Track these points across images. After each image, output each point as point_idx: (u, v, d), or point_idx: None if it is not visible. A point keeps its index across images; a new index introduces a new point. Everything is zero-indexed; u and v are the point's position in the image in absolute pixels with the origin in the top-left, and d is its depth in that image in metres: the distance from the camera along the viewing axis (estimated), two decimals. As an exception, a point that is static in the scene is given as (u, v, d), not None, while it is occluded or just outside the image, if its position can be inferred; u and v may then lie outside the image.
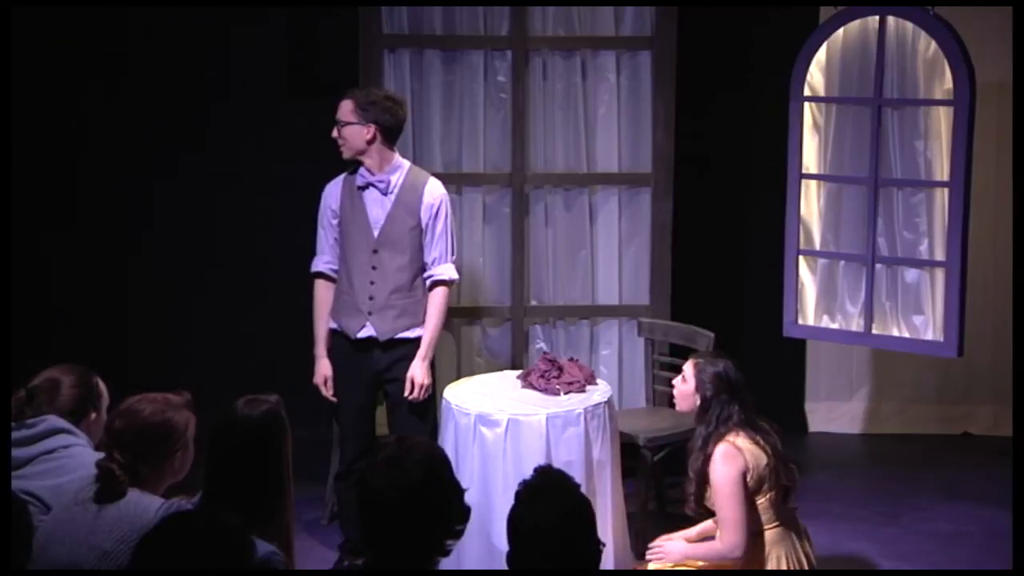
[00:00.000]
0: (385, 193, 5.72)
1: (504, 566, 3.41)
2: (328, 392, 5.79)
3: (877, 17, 6.12)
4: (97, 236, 7.34)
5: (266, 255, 7.37)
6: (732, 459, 4.71)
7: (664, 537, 5.06)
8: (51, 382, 4.27)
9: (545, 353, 6.26)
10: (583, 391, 5.70)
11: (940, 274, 6.14)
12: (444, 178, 6.83)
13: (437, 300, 5.77)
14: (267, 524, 3.58)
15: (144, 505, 3.72)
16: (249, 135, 7.33)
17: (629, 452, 6.07)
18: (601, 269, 7.00)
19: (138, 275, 7.41)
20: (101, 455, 3.87)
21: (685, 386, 4.96)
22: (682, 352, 6.50)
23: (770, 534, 4.76)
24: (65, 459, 4.10)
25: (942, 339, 6.16)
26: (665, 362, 6.60)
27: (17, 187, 6.74)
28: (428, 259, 5.77)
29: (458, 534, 3.38)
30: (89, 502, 3.75)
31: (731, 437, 4.76)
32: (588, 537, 3.42)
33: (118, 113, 7.26)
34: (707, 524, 5.00)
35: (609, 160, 6.92)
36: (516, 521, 3.41)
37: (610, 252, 6.98)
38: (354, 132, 5.66)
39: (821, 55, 6.28)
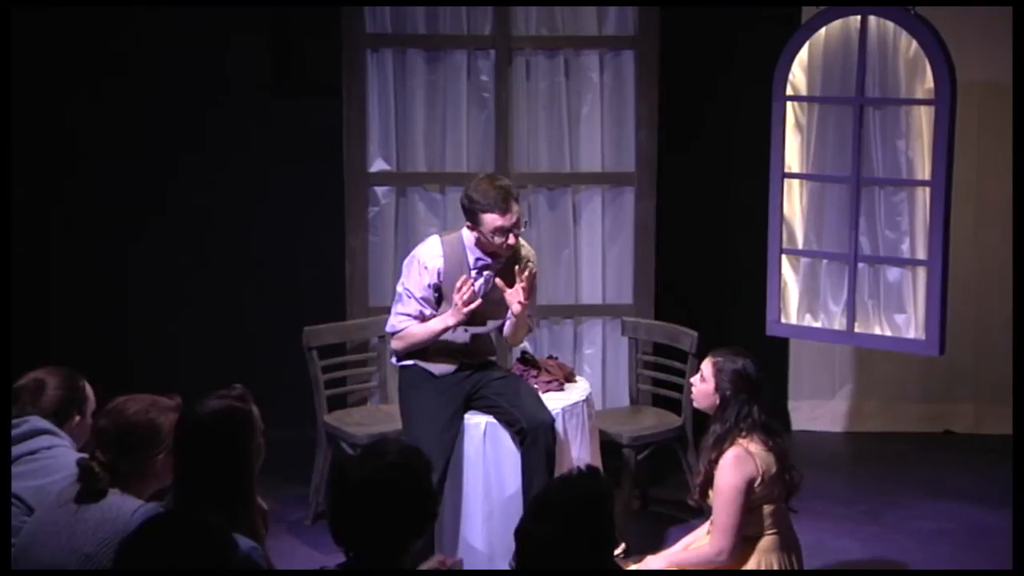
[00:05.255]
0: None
1: (480, 566, 3.41)
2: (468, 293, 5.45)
3: (859, 17, 6.14)
4: (95, 236, 7.34)
5: (258, 255, 7.38)
6: (742, 464, 4.59)
7: (649, 558, 4.89)
8: (36, 382, 4.25)
9: (524, 352, 6.23)
10: (561, 389, 5.70)
11: (922, 273, 6.16)
12: (428, 178, 6.88)
13: None
14: (234, 523, 3.45)
15: (126, 508, 3.69)
16: (236, 137, 7.32)
17: (612, 451, 6.08)
18: (585, 268, 7.00)
19: (136, 275, 7.41)
20: (85, 456, 3.86)
21: (704, 385, 4.77)
22: (666, 351, 6.52)
23: (765, 541, 4.68)
24: (48, 460, 4.08)
25: (924, 337, 6.19)
26: (649, 361, 6.62)
27: (15, 187, 6.72)
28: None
29: (423, 533, 3.39)
30: (71, 504, 3.73)
31: (744, 440, 4.64)
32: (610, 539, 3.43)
33: (110, 115, 7.25)
34: (691, 538, 4.97)
35: (592, 159, 6.93)
36: (546, 502, 3.37)
37: (593, 251, 6.98)
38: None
39: (803, 54, 6.30)
